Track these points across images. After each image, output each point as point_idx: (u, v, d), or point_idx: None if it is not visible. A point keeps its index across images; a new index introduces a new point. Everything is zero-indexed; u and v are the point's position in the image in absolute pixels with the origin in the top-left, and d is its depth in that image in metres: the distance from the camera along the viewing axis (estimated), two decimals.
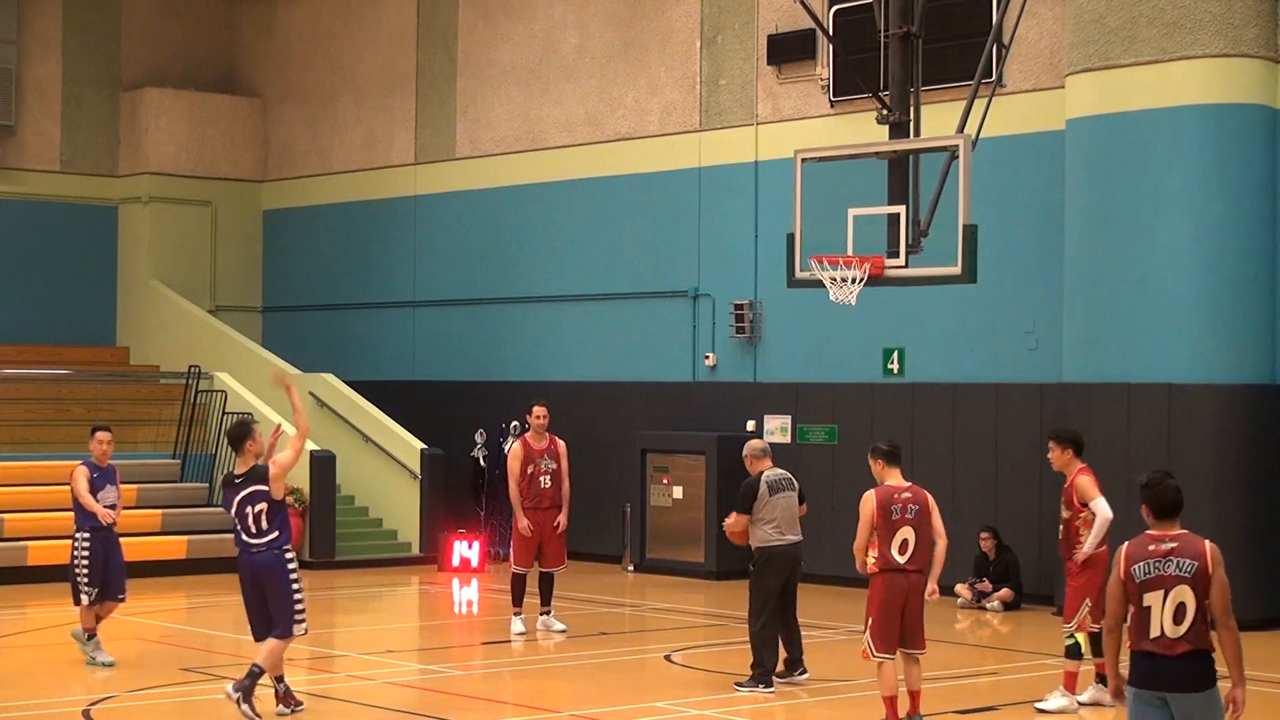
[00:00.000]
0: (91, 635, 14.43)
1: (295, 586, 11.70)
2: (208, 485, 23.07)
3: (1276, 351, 17.84)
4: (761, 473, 13.56)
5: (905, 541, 11.63)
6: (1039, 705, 12.67)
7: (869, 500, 11.67)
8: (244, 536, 11.73)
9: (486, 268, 25.18)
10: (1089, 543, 12.60)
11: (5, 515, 21.08)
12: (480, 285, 25.27)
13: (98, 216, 27.76)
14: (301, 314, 28.01)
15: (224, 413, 23.46)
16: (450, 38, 25.79)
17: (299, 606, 11.69)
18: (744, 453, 13.80)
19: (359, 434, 24.37)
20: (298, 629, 11.73)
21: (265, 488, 11.65)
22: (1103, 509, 12.66)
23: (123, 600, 14.65)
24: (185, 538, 21.91)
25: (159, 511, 22.10)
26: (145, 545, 20.49)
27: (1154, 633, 7.66)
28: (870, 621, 11.62)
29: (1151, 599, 7.67)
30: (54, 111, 27.38)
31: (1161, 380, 17.55)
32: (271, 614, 11.71)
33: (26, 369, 25.26)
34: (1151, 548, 7.74)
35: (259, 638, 11.83)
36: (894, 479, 11.81)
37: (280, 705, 11.97)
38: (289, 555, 11.71)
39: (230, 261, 28.32)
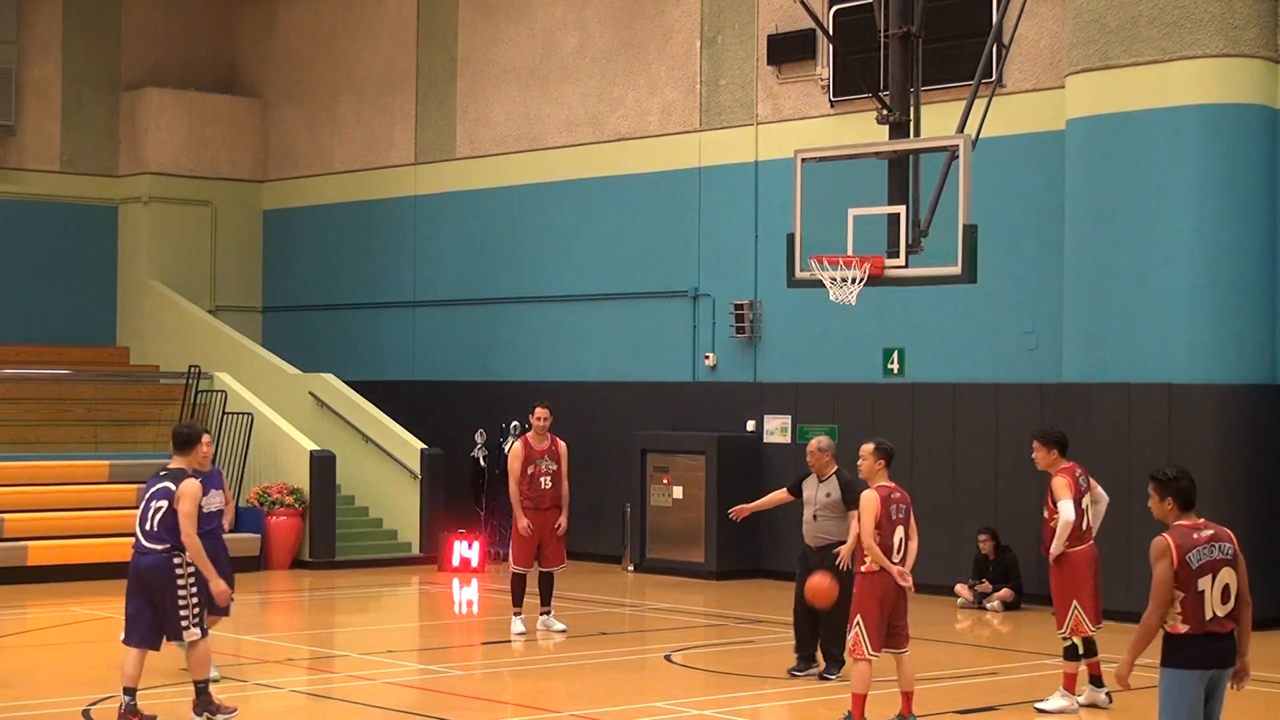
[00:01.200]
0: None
1: (182, 595, 11.62)
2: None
3: (1276, 351, 17.84)
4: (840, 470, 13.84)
5: (901, 541, 11.77)
6: (1039, 706, 12.67)
7: (874, 499, 11.70)
8: (140, 537, 11.68)
9: (486, 268, 25.17)
10: (1054, 544, 12.68)
11: (5, 515, 21.07)
12: (480, 285, 25.26)
13: (98, 216, 27.74)
14: (301, 314, 28.00)
15: (224, 413, 23.45)
16: (450, 38, 25.78)
17: (184, 613, 11.62)
18: (819, 448, 13.82)
19: (359, 434, 24.36)
20: (187, 635, 11.67)
21: (175, 490, 11.61)
22: (1066, 511, 12.64)
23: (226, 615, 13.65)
24: None
25: None
26: None
27: (1209, 614, 8.13)
28: (863, 620, 11.63)
29: (1204, 583, 8.14)
30: (54, 111, 27.36)
31: (1161, 380, 17.55)
32: (160, 620, 11.67)
33: (26, 369, 25.23)
34: (1195, 535, 8.22)
35: (129, 641, 11.69)
36: (885, 479, 11.91)
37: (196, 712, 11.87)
38: (177, 563, 11.63)
39: (230, 261, 28.31)
